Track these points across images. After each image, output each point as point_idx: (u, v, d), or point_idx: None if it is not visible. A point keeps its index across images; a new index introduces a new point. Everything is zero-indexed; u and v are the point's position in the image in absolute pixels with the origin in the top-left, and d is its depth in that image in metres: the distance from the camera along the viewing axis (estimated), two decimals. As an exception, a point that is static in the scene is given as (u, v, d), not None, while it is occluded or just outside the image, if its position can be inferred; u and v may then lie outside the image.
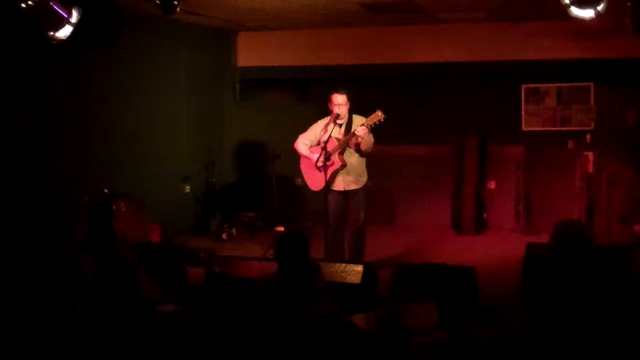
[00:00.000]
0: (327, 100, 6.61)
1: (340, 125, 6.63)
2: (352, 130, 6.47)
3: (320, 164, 6.57)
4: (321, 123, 6.72)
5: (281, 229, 7.86)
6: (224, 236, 8.72)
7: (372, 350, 3.02)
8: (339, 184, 6.67)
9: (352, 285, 4.90)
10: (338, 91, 6.56)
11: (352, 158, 6.65)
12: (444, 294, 4.19)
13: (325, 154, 6.48)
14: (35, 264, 4.66)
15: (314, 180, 6.72)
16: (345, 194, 6.73)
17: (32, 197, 6.62)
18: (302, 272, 3.54)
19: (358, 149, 6.60)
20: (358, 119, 6.60)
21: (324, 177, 6.55)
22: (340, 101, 6.55)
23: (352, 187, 6.72)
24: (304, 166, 6.84)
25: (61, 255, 4.69)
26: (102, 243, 6.34)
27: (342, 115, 6.58)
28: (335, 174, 6.62)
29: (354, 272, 4.96)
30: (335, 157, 6.56)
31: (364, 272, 4.95)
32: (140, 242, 6.59)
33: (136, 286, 3.39)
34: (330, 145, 6.55)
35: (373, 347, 3.05)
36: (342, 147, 6.56)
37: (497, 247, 8.23)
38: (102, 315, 3.27)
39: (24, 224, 6.28)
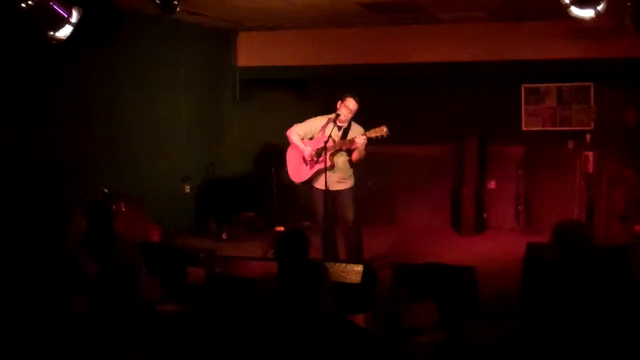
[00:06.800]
0: (338, 99, 6.56)
1: (339, 128, 6.62)
2: (353, 137, 6.45)
3: (309, 158, 6.57)
4: (320, 119, 6.69)
5: (281, 229, 7.86)
6: (224, 236, 8.72)
7: (372, 350, 3.02)
8: (321, 182, 6.53)
9: (352, 285, 4.89)
10: (354, 97, 6.52)
11: (340, 159, 6.61)
12: (444, 294, 4.19)
13: (318, 151, 6.49)
14: (35, 263, 4.66)
15: (297, 172, 6.71)
16: (330, 193, 6.66)
17: (32, 196, 6.62)
18: (302, 272, 3.53)
19: (349, 154, 6.58)
20: (356, 127, 6.58)
21: (308, 171, 6.57)
22: (352, 107, 6.52)
23: (336, 187, 6.64)
24: (290, 155, 6.80)
25: (61, 255, 4.69)
26: (102, 243, 6.34)
27: (344, 119, 6.57)
28: (319, 172, 6.57)
29: (354, 272, 4.96)
30: (326, 157, 6.47)
31: (364, 272, 4.95)
32: (140, 242, 6.59)
33: (138, 287, 3.38)
34: (327, 144, 6.53)
35: (373, 347, 3.05)
36: (337, 149, 6.54)
37: (497, 247, 8.23)
38: (103, 315, 3.27)
39: (23, 223, 6.27)
